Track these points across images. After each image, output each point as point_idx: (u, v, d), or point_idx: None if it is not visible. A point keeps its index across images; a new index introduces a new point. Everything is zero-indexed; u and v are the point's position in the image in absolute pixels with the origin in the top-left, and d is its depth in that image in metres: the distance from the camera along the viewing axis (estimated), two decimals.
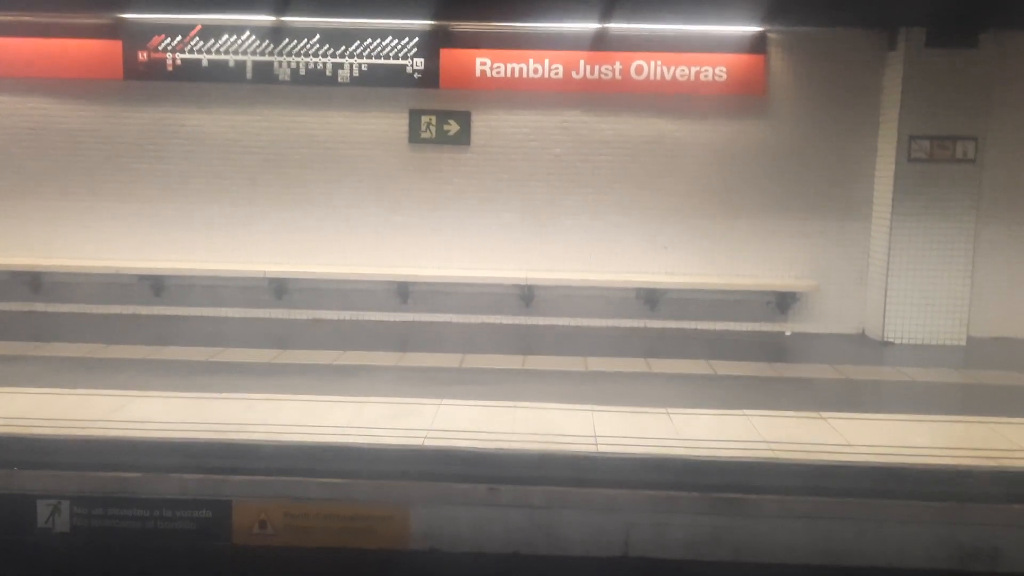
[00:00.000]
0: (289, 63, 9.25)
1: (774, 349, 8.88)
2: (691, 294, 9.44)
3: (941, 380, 7.66)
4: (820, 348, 8.90)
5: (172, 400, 6.16)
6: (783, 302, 9.40)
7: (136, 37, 9.23)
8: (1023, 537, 5.06)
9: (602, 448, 5.39)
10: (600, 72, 9.20)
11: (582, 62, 9.18)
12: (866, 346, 9.06)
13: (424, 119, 9.45)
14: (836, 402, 6.66)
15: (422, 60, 9.21)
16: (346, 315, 9.60)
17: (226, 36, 9.20)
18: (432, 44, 9.20)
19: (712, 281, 9.36)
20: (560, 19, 8.93)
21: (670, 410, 6.14)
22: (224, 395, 6.33)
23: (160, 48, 9.24)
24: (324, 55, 9.22)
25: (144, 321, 9.34)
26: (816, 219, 9.42)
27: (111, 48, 9.26)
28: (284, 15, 8.98)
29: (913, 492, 5.12)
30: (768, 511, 5.11)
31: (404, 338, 8.85)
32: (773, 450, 5.39)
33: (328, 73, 9.25)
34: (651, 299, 9.44)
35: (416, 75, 9.23)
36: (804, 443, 5.53)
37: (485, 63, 9.21)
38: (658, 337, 9.18)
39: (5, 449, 5.34)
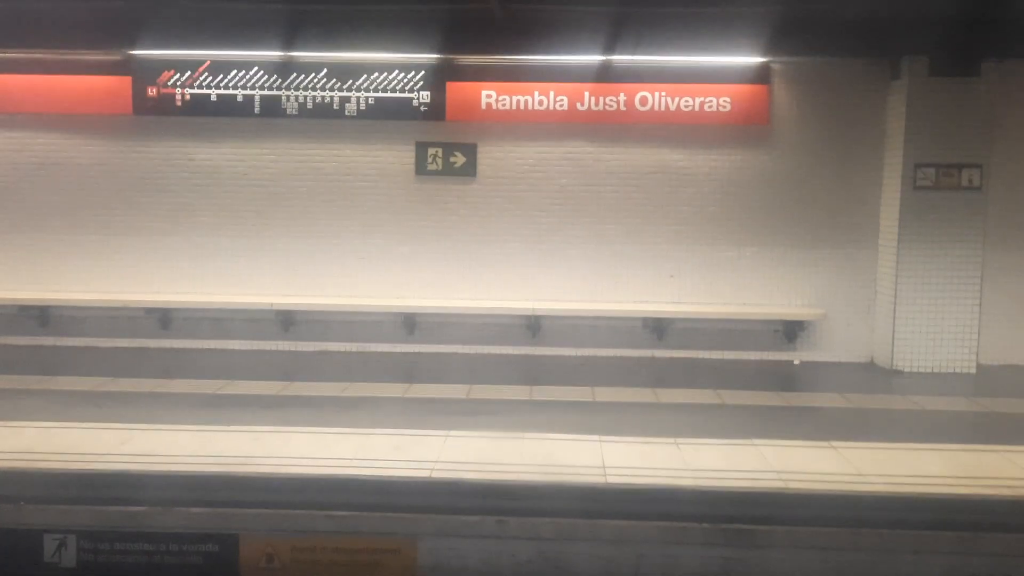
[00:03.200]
0: (296, 97, 9.35)
1: (783, 378, 8.84)
2: (698, 323, 9.41)
3: (952, 408, 7.60)
4: (829, 377, 8.85)
5: (179, 433, 6.14)
6: (791, 331, 9.36)
7: (146, 73, 9.35)
8: None
9: (611, 479, 5.35)
10: (605, 103, 9.26)
11: (587, 94, 9.25)
12: (875, 374, 9.01)
13: (430, 151, 9.51)
14: (847, 431, 6.60)
15: (428, 93, 9.29)
16: (353, 347, 9.59)
17: (235, 71, 9.31)
18: (438, 77, 9.29)
19: (719, 310, 9.35)
20: (565, 52, 9.01)
21: (679, 440, 6.10)
22: (231, 428, 6.31)
23: (169, 83, 9.35)
24: (331, 89, 9.32)
25: (151, 354, 9.34)
26: (822, 247, 9.42)
27: (121, 84, 9.38)
28: (292, 51, 9.09)
29: (926, 522, 5.06)
30: (779, 542, 5.06)
31: (411, 369, 8.83)
32: (784, 480, 5.35)
33: (335, 107, 9.34)
34: (658, 328, 9.42)
35: (422, 108, 9.32)
36: (815, 473, 5.48)
37: (491, 96, 9.29)
38: (666, 367, 9.14)
39: (12, 483, 5.33)
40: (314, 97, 9.34)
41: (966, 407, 7.69)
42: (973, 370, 8.96)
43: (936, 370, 8.93)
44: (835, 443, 6.09)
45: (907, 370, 8.96)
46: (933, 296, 8.91)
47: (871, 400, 7.86)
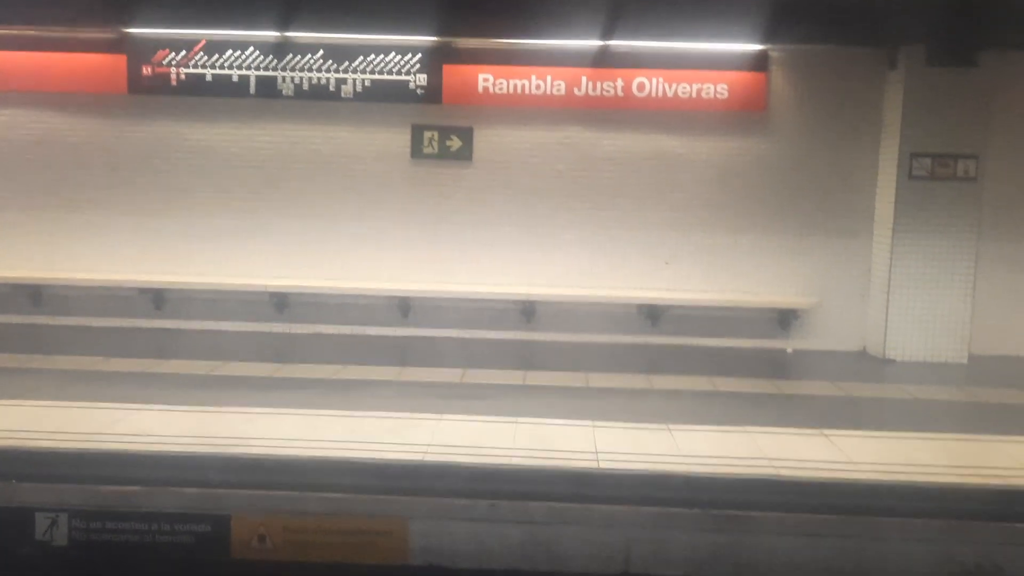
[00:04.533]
0: (292, 78, 9.29)
1: (776, 366, 8.87)
2: (693, 310, 9.43)
3: (942, 398, 7.64)
4: (821, 365, 8.88)
5: (171, 413, 6.14)
6: (785, 319, 9.39)
7: (141, 52, 9.29)
8: None
9: (603, 464, 5.36)
10: (602, 88, 9.24)
11: (584, 78, 9.22)
12: (867, 363, 9.05)
13: (427, 134, 9.48)
14: (838, 419, 6.63)
15: (425, 76, 9.25)
16: (347, 329, 9.59)
17: (230, 51, 9.25)
18: (435, 60, 9.25)
19: (714, 297, 9.36)
20: (562, 36, 8.97)
21: (671, 426, 6.12)
22: (224, 409, 6.32)
23: (164, 63, 9.29)
24: (327, 70, 9.27)
25: (145, 334, 9.33)
26: (817, 236, 9.44)
27: (116, 62, 9.32)
28: (288, 31, 9.04)
29: (915, 510, 5.09)
30: (769, 528, 5.08)
31: (405, 353, 8.84)
32: (775, 467, 5.37)
33: (331, 88, 9.30)
34: (653, 315, 9.43)
35: (419, 91, 9.28)
36: (806, 460, 5.50)
37: (488, 79, 9.25)
38: (660, 353, 9.17)
39: (4, 461, 5.32)
40: (310, 78, 9.29)
41: (957, 396, 7.73)
42: (965, 360, 9.00)
43: (928, 359, 8.97)
44: (827, 431, 6.11)
45: (899, 359, 9.00)
46: (926, 286, 8.94)
47: (863, 388, 7.89)
